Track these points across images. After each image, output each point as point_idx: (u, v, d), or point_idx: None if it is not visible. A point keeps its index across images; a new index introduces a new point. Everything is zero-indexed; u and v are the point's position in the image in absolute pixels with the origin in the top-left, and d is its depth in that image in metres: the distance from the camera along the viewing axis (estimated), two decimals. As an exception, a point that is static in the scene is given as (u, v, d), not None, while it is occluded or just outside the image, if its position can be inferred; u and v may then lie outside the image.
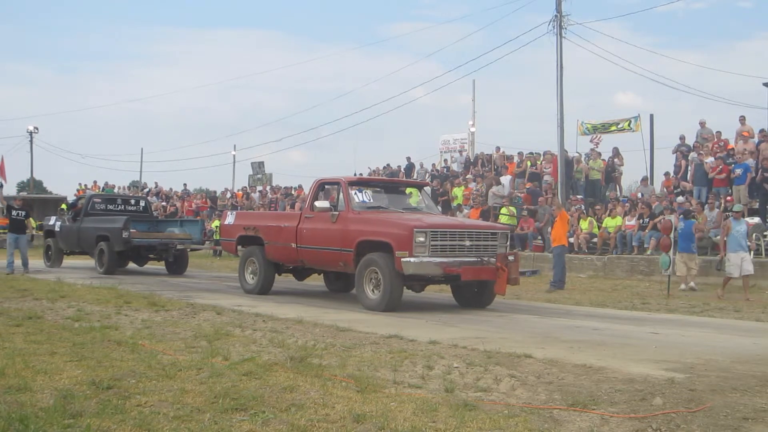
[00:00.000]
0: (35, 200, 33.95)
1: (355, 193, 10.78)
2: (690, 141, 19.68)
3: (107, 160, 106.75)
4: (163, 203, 31.88)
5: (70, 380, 4.88)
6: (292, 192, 27.96)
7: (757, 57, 77.61)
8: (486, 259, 9.87)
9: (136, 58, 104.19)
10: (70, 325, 7.56)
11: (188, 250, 17.45)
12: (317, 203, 10.74)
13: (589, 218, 18.21)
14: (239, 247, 12.61)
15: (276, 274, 12.16)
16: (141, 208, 19.12)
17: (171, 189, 35.13)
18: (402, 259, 9.36)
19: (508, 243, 10.71)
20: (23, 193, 38.34)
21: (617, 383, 5.15)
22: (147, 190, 37.16)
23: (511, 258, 10.08)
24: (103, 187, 36.38)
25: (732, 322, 9.37)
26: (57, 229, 18.25)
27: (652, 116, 23.16)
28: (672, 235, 13.25)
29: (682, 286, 13.68)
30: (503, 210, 20.01)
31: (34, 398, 4.38)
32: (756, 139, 17.78)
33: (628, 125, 22.85)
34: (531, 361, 5.93)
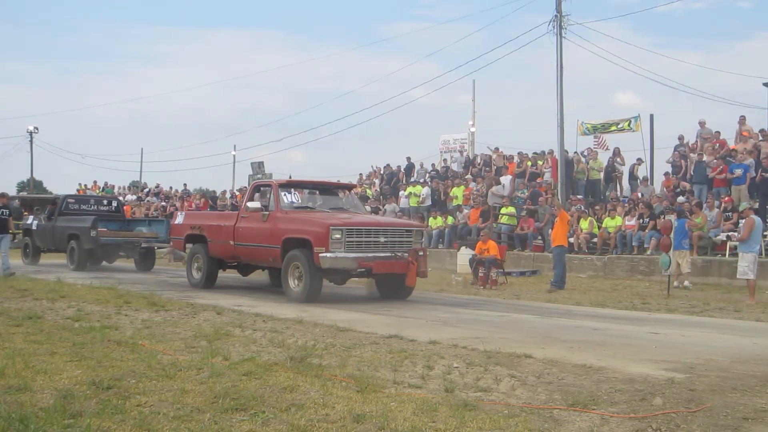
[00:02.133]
0: (35, 200, 33.94)
1: (284, 195, 11.72)
2: (690, 141, 19.68)
3: (107, 160, 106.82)
4: (163, 203, 31.85)
5: (70, 380, 4.88)
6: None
7: (757, 57, 77.56)
8: (399, 254, 10.72)
9: (136, 58, 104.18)
10: (70, 325, 7.56)
11: (155, 248, 18.42)
12: (249, 204, 11.76)
13: (589, 218, 18.20)
14: (187, 245, 13.60)
15: (220, 270, 13.25)
16: (113, 209, 19.99)
17: (171, 188, 35.15)
18: (320, 255, 10.27)
19: (423, 239, 11.63)
20: (23, 193, 38.33)
21: (617, 383, 5.16)
22: (147, 190, 37.16)
23: (421, 253, 10.92)
24: (103, 187, 36.39)
25: (732, 322, 9.37)
26: (34, 228, 19.12)
27: (652, 116, 23.15)
28: (672, 235, 13.25)
29: (675, 284, 13.66)
30: (503, 210, 20.01)
31: (34, 398, 4.39)
32: (754, 140, 17.79)
33: (628, 125, 22.82)
34: (531, 361, 5.94)
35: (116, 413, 4.08)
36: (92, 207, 19.35)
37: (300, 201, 12.00)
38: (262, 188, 12.59)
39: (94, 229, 16.85)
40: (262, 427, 3.94)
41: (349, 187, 14.12)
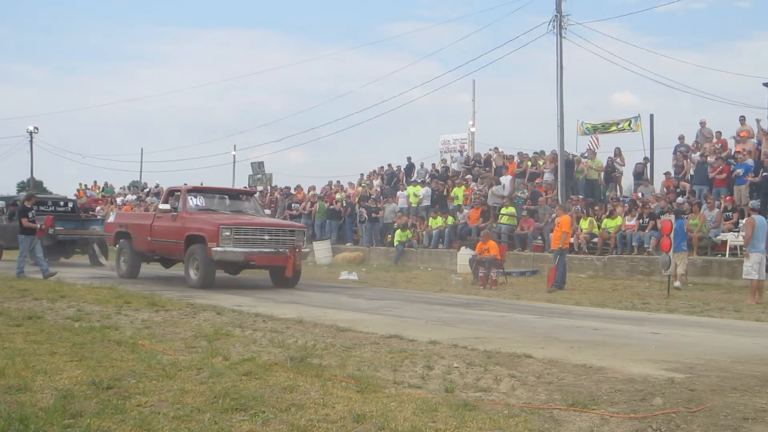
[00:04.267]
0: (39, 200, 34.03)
1: (191, 198, 13.79)
2: (690, 141, 19.68)
3: (107, 160, 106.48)
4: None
5: (70, 380, 4.88)
6: (293, 191, 27.97)
7: (756, 57, 77.61)
8: (280, 249, 12.80)
9: (136, 58, 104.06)
10: (70, 325, 7.56)
11: (108, 244, 19.21)
12: (161, 206, 14.00)
13: (589, 218, 18.19)
14: (116, 241, 15.39)
15: (144, 262, 15.09)
16: (69, 209, 21.65)
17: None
18: (212, 249, 12.34)
19: (305, 238, 14.03)
20: (23, 193, 38.33)
21: (617, 383, 5.16)
22: (147, 189, 37.15)
23: (297, 250, 12.95)
24: (103, 187, 36.38)
25: (732, 322, 9.37)
26: None
27: (652, 116, 23.14)
28: (671, 235, 13.25)
29: (677, 284, 13.67)
30: (503, 210, 20.01)
31: (34, 398, 4.39)
32: (755, 140, 17.77)
33: (629, 125, 22.81)
34: (531, 361, 5.94)
35: (116, 413, 4.08)
36: (50, 208, 20.70)
37: (204, 204, 13.91)
38: (175, 192, 14.45)
39: (51, 227, 17.95)
40: (262, 427, 3.94)
41: (250, 194, 16.58)
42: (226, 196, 14.85)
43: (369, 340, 6.96)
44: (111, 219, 16.21)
